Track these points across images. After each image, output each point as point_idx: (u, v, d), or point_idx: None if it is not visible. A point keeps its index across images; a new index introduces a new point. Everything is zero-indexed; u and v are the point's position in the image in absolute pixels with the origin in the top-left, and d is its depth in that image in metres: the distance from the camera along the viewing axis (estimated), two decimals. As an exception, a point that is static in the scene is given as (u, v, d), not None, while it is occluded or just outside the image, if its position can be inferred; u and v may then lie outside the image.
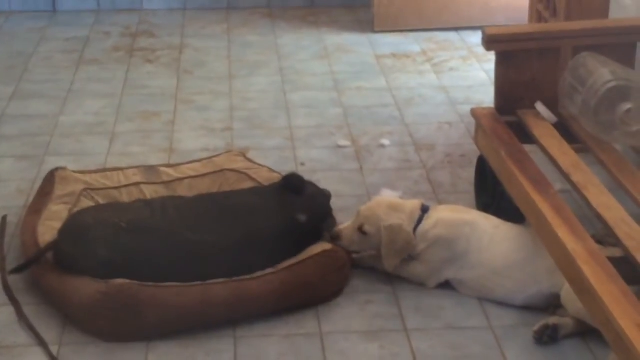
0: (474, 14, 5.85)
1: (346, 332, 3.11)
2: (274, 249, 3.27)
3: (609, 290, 2.56)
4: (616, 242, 2.86)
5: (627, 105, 3.27)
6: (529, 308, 3.18)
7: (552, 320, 3.03)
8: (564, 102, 3.52)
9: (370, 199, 3.56)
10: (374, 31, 5.88)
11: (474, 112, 3.69)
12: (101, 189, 3.69)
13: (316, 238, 3.38)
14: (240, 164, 3.88)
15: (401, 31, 5.87)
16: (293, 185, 3.44)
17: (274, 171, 3.84)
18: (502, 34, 3.65)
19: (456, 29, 5.87)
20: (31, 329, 3.09)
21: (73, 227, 3.26)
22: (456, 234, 3.27)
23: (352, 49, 5.64)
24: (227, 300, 3.10)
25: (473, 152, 4.05)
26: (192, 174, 3.82)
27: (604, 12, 4.26)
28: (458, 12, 5.86)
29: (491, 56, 3.83)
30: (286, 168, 4.03)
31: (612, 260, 2.72)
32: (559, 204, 3.00)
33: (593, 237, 2.88)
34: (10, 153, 4.30)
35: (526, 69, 3.60)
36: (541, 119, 3.56)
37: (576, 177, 3.17)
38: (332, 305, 3.24)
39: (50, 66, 5.35)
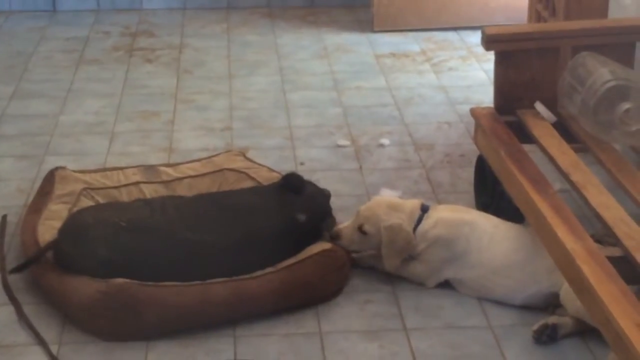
0: (474, 14, 5.86)
1: (346, 331, 3.11)
2: (273, 248, 3.28)
3: (608, 289, 2.57)
4: (615, 241, 2.86)
5: (626, 105, 3.27)
6: (528, 307, 3.18)
7: (552, 319, 3.04)
8: (563, 101, 3.52)
9: (370, 198, 3.56)
10: (373, 31, 5.88)
11: (473, 112, 3.69)
12: (101, 188, 3.69)
13: (316, 237, 3.38)
14: (239, 163, 3.88)
15: (401, 31, 5.87)
16: (293, 185, 3.44)
17: (273, 171, 3.84)
18: (501, 33, 3.65)
19: (455, 28, 5.88)
20: (31, 328, 3.09)
21: (73, 226, 3.26)
22: (456, 234, 3.27)
23: (352, 48, 5.64)
24: (226, 299, 3.10)
25: (472, 151, 4.06)
26: (192, 173, 3.83)
27: (603, 11, 4.26)
28: (457, 12, 5.87)
29: (490, 56, 3.83)
30: (286, 167, 4.04)
31: (612, 259, 2.72)
32: (558, 203, 3.01)
33: (592, 236, 2.88)
34: (10, 152, 4.31)
35: (525, 69, 3.60)
36: (540, 119, 3.56)
37: (575, 177, 3.17)
38: (332, 305, 3.24)
39: (50, 66, 5.35)
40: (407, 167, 4.19)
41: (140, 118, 4.67)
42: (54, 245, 3.24)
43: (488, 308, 3.22)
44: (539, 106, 3.61)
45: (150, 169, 3.85)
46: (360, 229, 3.31)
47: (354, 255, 3.40)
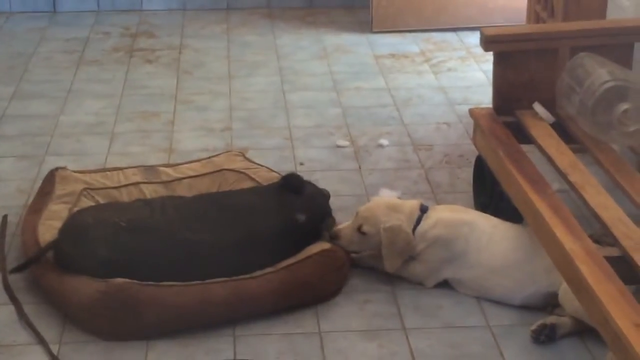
0: (472, 15, 5.86)
1: (345, 331, 3.12)
2: (273, 248, 3.28)
3: (607, 289, 2.57)
4: (613, 241, 2.87)
5: (625, 106, 3.28)
6: (527, 307, 3.19)
7: (550, 319, 3.04)
8: (562, 102, 3.53)
9: (369, 198, 3.57)
10: (372, 31, 5.89)
11: (472, 113, 3.70)
12: (101, 188, 3.70)
13: (315, 238, 3.38)
14: (239, 163, 3.89)
15: (400, 32, 5.88)
16: (292, 185, 3.45)
17: (273, 171, 3.84)
18: (500, 34, 3.66)
19: (454, 29, 5.88)
20: (31, 327, 3.10)
21: (73, 226, 3.27)
22: (455, 234, 3.28)
23: (351, 49, 5.65)
24: (226, 299, 3.11)
25: (471, 152, 4.06)
26: (192, 173, 3.83)
27: (601, 12, 4.26)
28: (456, 13, 5.87)
29: (489, 57, 3.85)
30: (285, 168, 4.05)
31: (610, 259, 2.72)
32: (556, 203, 3.01)
33: (590, 236, 2.89)
34: (10, 153, 4.31)
35: (524, 70, 3.61)
36: (539, 119, 3.57)
37: (574, 177, 3.17)
38: (331, 305, 3.25)
39: (50, 66, 5.36)
40: (406, 167, 4.19)
41: (140, 118, 4.67)
42: (54, 245, 3.25)
43: (487, 308, 3.23)
44: (538, 107, 3.61)
45: (150, 169, 3.86)
46: (359, 230, 3.32)
47: (353, 255, 3.41)
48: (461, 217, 3.32)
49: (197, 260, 3.19)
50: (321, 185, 3.64)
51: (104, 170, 3.88)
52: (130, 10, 6.31)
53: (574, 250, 2.74)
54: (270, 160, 4.13)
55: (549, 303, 3.15)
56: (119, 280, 3.05)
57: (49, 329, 3.10)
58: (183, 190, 3.72)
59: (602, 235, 3.03)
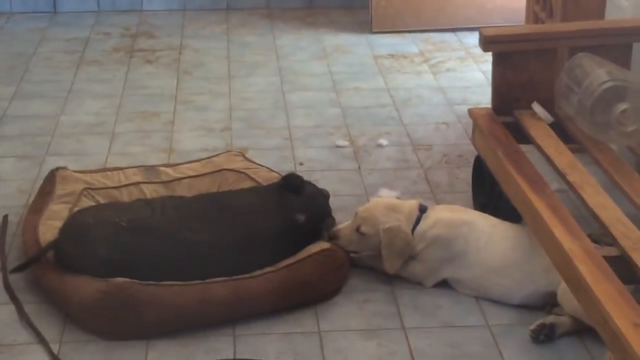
0: (471, 15, 5.87)
1: (344, 330, 3.12)
2: (273, 248, 3.29)
3: (605, 289, 2.58)
4: (612, 241, 2.87)
5: (623, 106, 3.28)
6: (526, 307, 3.19)
7: (549, 319, 3.05)
8: (560, 102, 3.53)
9: (369, 198, 3.58)
10: (371, 32, 5.89)
11: (471, 113, 3.71)
12: (101, 188, 3.70)
13: (315, 238, 3.39)
14: (239, 163, 3.89)
15: (399, 32, 5.88)
16: (292, 185, 3.45)
17: (272, 171, 3.85)
18: (499, 35, 3.66)
19: (453, 30, 5.89)
20: (32, 327, 3.11)
21: (73, 226, 3.27)
22: (454, 234, 3.28)
23: (350, 49, 5.65)
24: (226, 299, 3.11)
25: (470, 152, 4.07)
26: (192, 173, 3.84)
27: (600, 13, 4.26)
28: (455, 13, 5.88)
29: (488, 57, 3.85)
30: (285, 168, 4.05)
31: (608, 259, 2.73)
32: (555, 203, 3.02)
33: (589, 236, 2.89)
34: (11, 153, 4.32)
35: (523, 70, 3.62)
36: (538, 119, 3.58)
37: (572, 177, 3.18)
38: (331, 304, 3.25)
39: (50, 67, 5.36)
40: (405, 167, 4.20)
41: (140, 118, 4.68)
42: (54, 245, 3.25)
43: (486, 307, 3.23)
44: (536, 107, 3.62)
45: (150, 169, 3.86)
46: (358, 230, 3.33)
47: (352, 255, 3.42)
48: (460, 217, 3.33)
49: (197, 260, 3.20)
50: (321, 185, 3.65)
51: (105, 170, 3.88)
52: (131, 11, 6.31)
53: (572, 250, 2.75)
54: (270, 160, 4.14)
55: (548, 302, 3.15)
56: (120, 279, 3.06)
57: (49, 329, 3.11)
58: (183, 190, 3.73)
59: (600, 235, 3.03)
